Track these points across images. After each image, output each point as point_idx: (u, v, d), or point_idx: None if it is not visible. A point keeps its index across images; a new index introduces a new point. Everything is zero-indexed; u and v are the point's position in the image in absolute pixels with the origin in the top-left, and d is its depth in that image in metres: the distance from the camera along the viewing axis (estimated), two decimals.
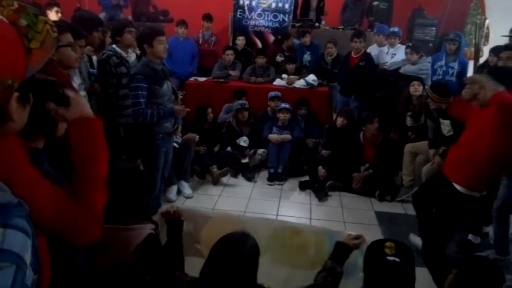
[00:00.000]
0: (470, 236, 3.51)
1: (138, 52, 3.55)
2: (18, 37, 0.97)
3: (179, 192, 4.26)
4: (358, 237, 1.96)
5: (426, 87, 4.57)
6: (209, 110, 4.95)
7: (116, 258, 1.59)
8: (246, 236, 1.60)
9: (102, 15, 6.30)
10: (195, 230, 2.10)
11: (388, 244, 1.70)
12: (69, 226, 1.09)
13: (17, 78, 0.94)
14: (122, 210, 1.70)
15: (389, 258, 1.64)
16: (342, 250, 1.90)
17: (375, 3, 7.29)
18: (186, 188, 4.29)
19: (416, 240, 3.33)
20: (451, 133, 3.79)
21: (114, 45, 3.45)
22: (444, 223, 2.74)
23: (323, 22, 7.19)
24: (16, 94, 0.95)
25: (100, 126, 1.28)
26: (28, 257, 0.86)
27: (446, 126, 3.82)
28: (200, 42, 6.56)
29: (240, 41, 6.48)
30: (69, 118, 1.24)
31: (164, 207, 2.83)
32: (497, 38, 5.58)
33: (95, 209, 1.17)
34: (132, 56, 3.59)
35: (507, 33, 5.25)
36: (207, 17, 6.53)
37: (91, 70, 3.53)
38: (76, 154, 1.22)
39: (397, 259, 1.63)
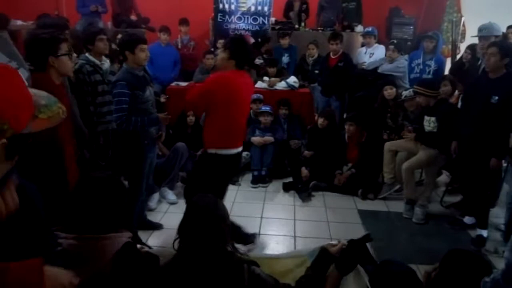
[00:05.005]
0: (465, 219, 3.72)
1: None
2: (31, 99, 0.99)
3: (160, 200, 4.23)
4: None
5: (404, 91, 4.67)
6: (190, 113, 4.88)
7: (91, 268, 1.58)
8: (216, 200, 1.69)
9: (81, 22, 6.26)
10: None
11: None
12: None
13: (13, 128, 0.94)
14: (99, 220, 1.69)
15: None
16: (324, 257, 1.82)
17: (344, 4, 7.35)
18: (170, 194, 4.27)
19: None
20: (435, 130, 3.85)
21: (86, 54, 3.46)
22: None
23: (302, 24, 7.24)
24: (4, 140, 0.94)
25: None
26: None
27: (431, 122, 3.88)
28: (179, 47, 6.56)
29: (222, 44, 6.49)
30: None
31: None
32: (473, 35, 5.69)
33: None
34: (106, 64, 3.59)
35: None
36: (184, 22, 6.56)
37: None
38: None
39: None
